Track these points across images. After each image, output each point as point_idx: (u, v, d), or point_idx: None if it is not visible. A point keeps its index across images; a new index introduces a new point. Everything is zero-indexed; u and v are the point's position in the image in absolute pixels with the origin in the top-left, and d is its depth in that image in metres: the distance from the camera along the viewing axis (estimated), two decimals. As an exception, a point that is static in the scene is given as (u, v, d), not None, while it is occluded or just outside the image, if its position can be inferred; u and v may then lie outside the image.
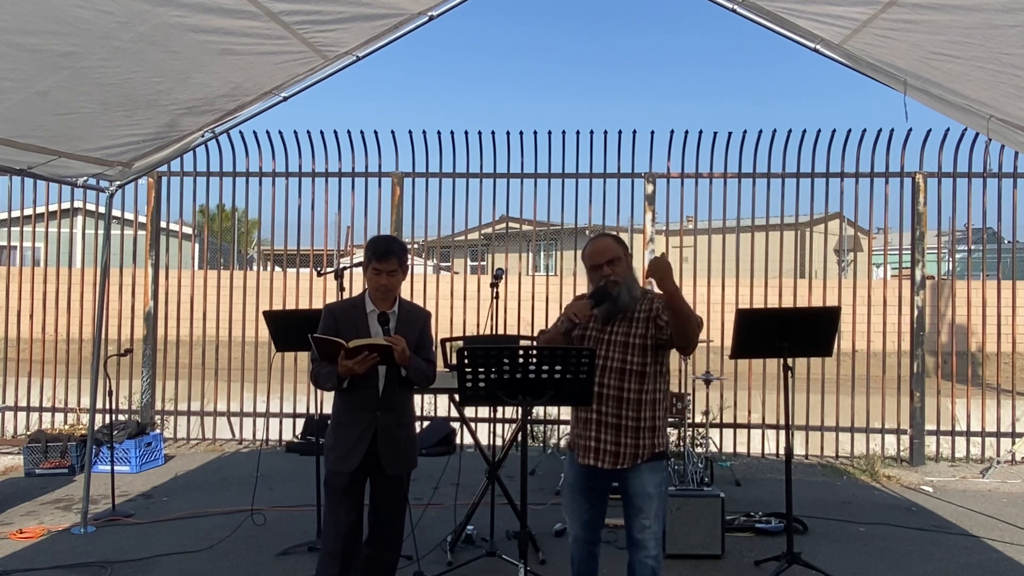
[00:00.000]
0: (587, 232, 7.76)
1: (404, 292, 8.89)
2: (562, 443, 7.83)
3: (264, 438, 8.44)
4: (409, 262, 3.92)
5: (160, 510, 6.08)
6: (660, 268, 3.30)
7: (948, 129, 8.37)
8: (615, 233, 4.12)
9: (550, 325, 3.70)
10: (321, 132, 8.51)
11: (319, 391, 4.64)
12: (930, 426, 8.12)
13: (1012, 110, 4.04)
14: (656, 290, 3.45)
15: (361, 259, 3.89)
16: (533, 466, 7.20)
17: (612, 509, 3.65)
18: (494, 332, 5.52)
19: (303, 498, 5.98)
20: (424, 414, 8.44)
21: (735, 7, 4.23)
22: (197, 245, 14.32)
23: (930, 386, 8.15)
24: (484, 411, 7.46)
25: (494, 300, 5.31)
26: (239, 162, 8.68)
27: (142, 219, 8.84)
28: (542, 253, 23.50)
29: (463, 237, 13.10)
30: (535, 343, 3.87)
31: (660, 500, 3.48)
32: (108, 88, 4.10)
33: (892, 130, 8.15)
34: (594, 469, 3.48)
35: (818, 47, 4.24)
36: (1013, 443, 7.98)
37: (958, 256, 19.16)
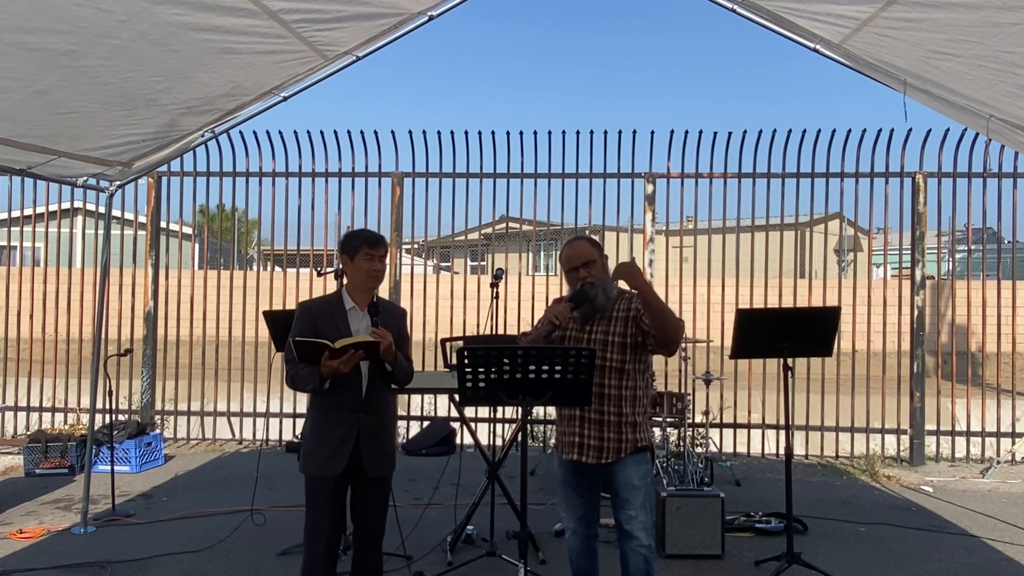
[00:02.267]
0: (587, 232, 7.75)
1: (404, 292, 8.87)
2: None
3: (264, 438, 8.44)
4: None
5: (160, 510, 6.08)
6: (625, 271, 3.43)
7: (948, 129, 8.38)
8: (588, 235, 4.19)
9: (532, 327, 3.77)
10: (321, 132, 8.52)
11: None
12: (930, 426, 8.12)
13: (1012, 110, 4.04)
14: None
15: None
16: (533, 466, 7.19)
17: (606, 509, 3.66)
18: (494, 332, 5.51)
19: (303, 498, 5.95)
20: (424, 414, 8.44)
21: (735, 7, 4.23)
22: (197, 245, 14.32)
23: (930, 386, 8.15)
24: (484, 411, 7.45)
25: (494, 300, 5.30)
26: (239, 162, 8.69)
27: (142, 219, 8.84)
28: (542, 253, 23.49)
29: (463, 237, 13.09)
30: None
31: (646, 491, 3.54)
32: (107, 87, 4.09)
33: (892, 130, 8.17)
34: (580, 464, 3.55)
35: (818, 47, 4.24)
36: (1013, 443, 7.98)
37: (958, 256, 19.16)
